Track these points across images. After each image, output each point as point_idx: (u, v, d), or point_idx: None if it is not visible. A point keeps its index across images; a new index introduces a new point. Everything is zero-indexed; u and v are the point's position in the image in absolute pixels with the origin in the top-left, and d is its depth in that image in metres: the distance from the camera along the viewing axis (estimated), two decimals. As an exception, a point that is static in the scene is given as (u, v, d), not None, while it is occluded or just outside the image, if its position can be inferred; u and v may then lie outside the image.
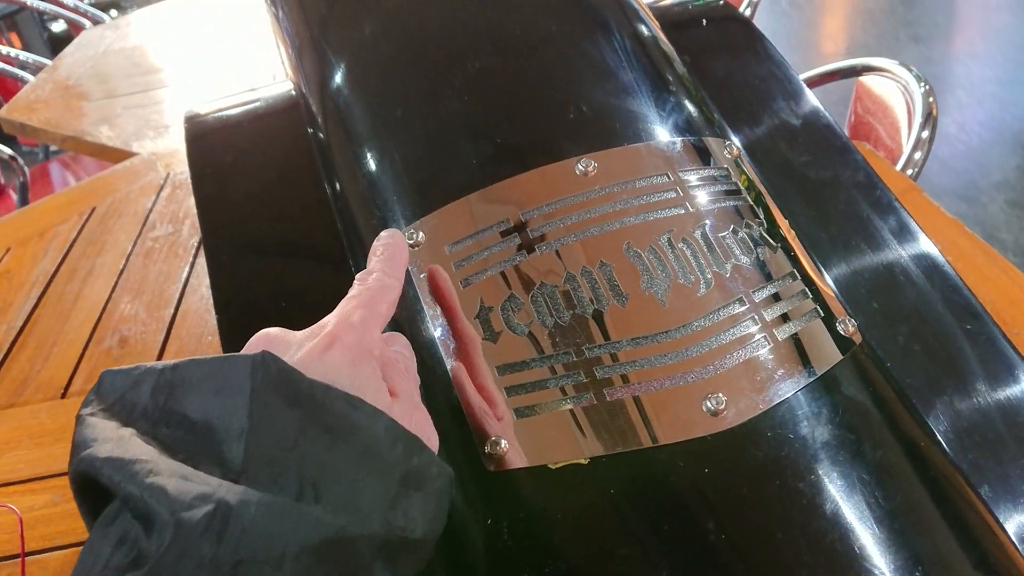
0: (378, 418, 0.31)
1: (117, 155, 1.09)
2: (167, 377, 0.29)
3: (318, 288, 0.48)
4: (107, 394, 0.30)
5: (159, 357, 0.68)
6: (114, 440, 0.28)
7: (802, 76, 1.21)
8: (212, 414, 0.28)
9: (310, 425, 0.29)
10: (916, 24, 3.55)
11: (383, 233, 0.40)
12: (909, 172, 0.93)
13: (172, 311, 0.74)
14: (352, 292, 0.37)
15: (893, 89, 1.07)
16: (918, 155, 0.94)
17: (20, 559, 0.50)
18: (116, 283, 0.79)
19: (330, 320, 0.34)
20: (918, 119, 0.97)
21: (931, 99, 0.98)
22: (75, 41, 1.81)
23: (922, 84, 1.01)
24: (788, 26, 3.90)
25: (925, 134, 0.95)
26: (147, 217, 0.89)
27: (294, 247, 0.50)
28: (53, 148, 2.08)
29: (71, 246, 0.86)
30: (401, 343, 0.41)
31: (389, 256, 0.39)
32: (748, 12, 1.64)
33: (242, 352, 0.32)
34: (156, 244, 0.84)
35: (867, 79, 1.15)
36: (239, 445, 0.28)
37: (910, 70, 1.06)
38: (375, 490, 0.30)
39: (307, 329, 0.34)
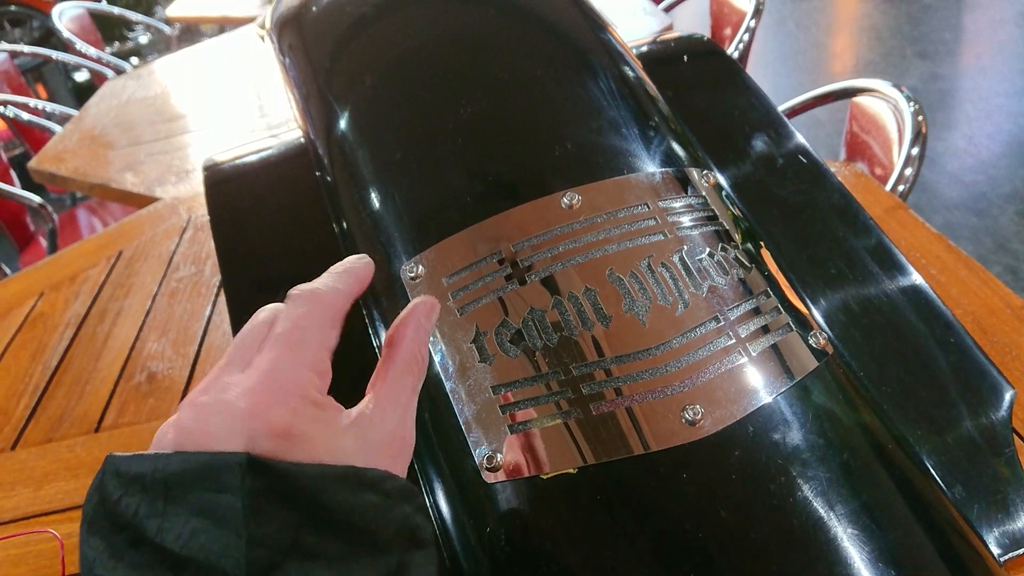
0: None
1: (141, 200, 1.14)
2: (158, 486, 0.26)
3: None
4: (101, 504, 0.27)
5: (185, 391, 0.72)
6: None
7: (797, 100, 1.24)
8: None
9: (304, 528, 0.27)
10: (922, 40, 3.58)
11: (352, 257, 0.38)
12: (901, 188, 0.96)
13: (196, 347, 0.78)
14: (278, 324, 0.32)
15: (885, 108, 1.10)
16: (908, 171, 0.97)
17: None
18: (143, 323, 0.83)
19: (254, 371, 0.30)
20: (908, 137, 1.00)
21: (920, 117, 1.01)
22: (99, 92, 1.88)
23: (911, 104, 1.04)
24: (795, 46, 3.95)
25: (915, 151, 0.98)
26: (171, 259, 0.94)
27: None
28: (80, 194, 2.15)
29: (100, 289, 0.90)
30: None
31: (343, 270, 0.36)
32: (746, 38, 1.68)
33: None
34: (180, 285, 0.89)
35: (861, 100, 1.19)
36: None
37: (900, 90, 1.09)
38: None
39: (227, 382, 0.30)
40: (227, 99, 1.59)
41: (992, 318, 0.62)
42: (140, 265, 0.94)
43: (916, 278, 0.55)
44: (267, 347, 0.31)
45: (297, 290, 0.34)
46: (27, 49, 2.80)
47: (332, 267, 0.37)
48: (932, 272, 0.57)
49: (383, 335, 0.50)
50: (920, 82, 3.14)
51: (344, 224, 0.54)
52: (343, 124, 0.56)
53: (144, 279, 0.91)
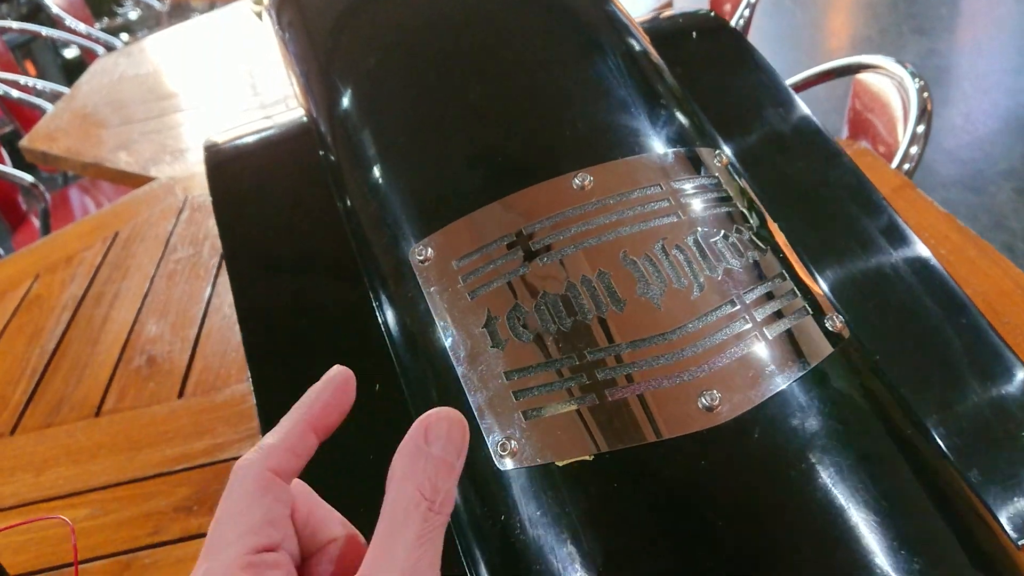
0: None
1: (136, 180, 1.13)
2: None
3: (334, 301, 0.51)
4: None
5: (186, 375, 0.71)
6: None
7: (799, 77, 1.23)
8: None
9: None
10: (919, 17, 3.56)
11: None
12: (906, 167, 0.95)
13: (196, 330, 0.77)
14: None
15: (889, 85, 1.09)
16: (914, 150, 0.96)
17: (74, 567, 0.53)
18: (142, 305, 0.82)
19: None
20: (913, 114, 0.99)
21: (925, 94, 1.00)
22: (90, 69, 1.86)
23: (916, 80, 1.03)
24: (792, 24, 3.92)
25: (920, 129, 0.97)
26: (168, 240, 0.93)
27: (311, 264, 0.53)
28: (72, 174, 2.12)
29: (97, 271, 0.89)
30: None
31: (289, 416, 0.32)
32: (747, 13, 1.66)
33: None
34: (178, 266, 0.88)
35: (864, 76, 1.17)
36: None
37: (905, 66, 1.07)
38: None
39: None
40: (220, 77, 1.57)
41: (1003, 299, 0.61)
42: (137, 246, 0.93)
43: (930, 259, 0.54)
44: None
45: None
46: (16, 25, 2.76)
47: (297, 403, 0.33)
48: (941, 252, 0.56)
49: (393, 326, 0.49)
50: (917, 58, 3.12)
51: (349, 204, 0.53)
52: (347, 103, 0.55)
53: (141, 260, 0.90)
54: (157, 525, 0.58)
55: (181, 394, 0.69)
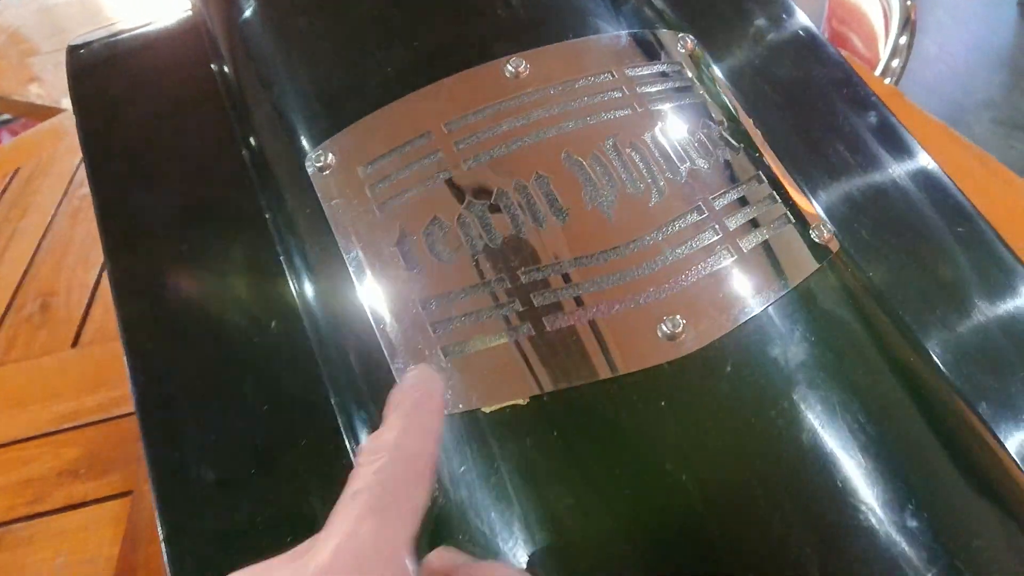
0: None
1: (47, 113, 1.02)
2: None
3: (223, 226, 0.42)
4: None
5: (83, 322, 0.63)
6: None
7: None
8: None
9: None
10: (893, -55, 3.45)
11: (408, 373, 0.28)
12: (888, 81, 0.87)
13: (97, 273, 0.68)
14: (355, 482, 0.24)
15: (869, -4, 1.01)
16: (896, 63, 0.88)
17: None
18: (39, 245, 0.73)
19: (325, 543, 0.22)
20: (895, 25, 0.90)
21: (909, 3, 0.92)
22: None
23: (900, -13, 0.94)
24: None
25: (903, 40, 0.89)
26: (73, 175, 0.83)
27: (195, 178, 0.44)
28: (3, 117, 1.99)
29: (-8, 210, 0.79)
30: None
31: (414, 405, 0.26)
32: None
33: None
34: (83, 203, 0.78)
35: (841, -11, 1.09)
36: None
37: (887, -26, 0.99)
38: None
39: (289, 558, 0.23)
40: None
41: (1013, 219, 0.54)
42: (40, 183, 0.83)
43: (928, 162, 0.47)
44: (341, 511, 0.23)
45: (371, 443, 0.25)
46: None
47: (392, 400, 0.27)
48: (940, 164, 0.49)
49: (291, 251, 0.41)
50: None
51: (240, 105, 0.44)
52: (236, -14, 0.45)
53: (43, 198, 0.80)
54: (38, 493, 0.50)
55: (75, 343, 0.60)
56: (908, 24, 0.91)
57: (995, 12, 2.72)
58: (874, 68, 0.94)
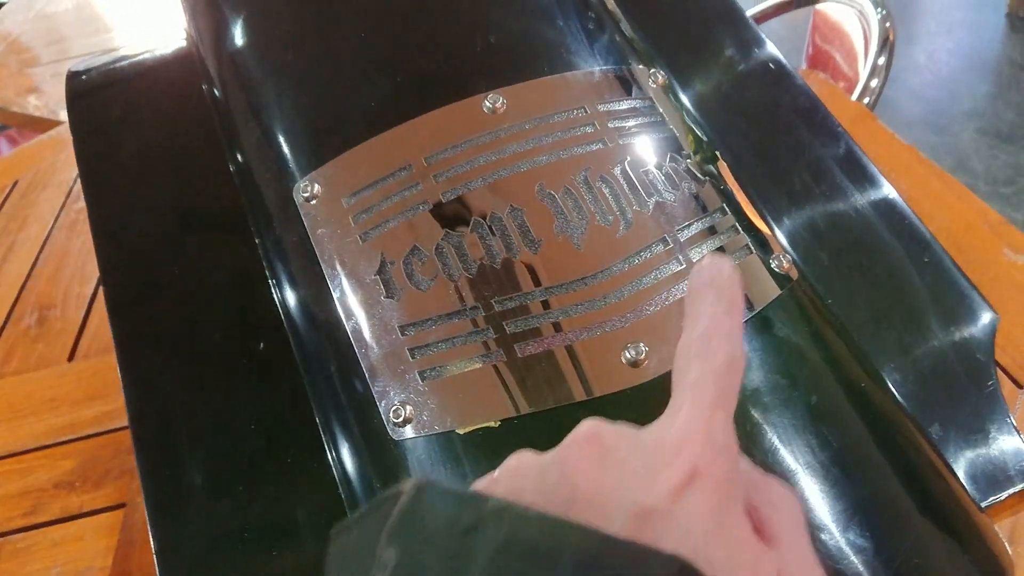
0: None
1: (45, 125, 1.04)
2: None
3: (214, 247, 0.44)
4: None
5: (79, 335, 0.64)
6: None
7: (757, 9, 1.16)
8: None
9: None
10: (884, -47, 3.48)
11: (705, 260, 0.25)
12: (866, 100, 0.89)
13: (94, 286, 0.70)
14: (694, 374, 0.23)
15: (850, 15, 1.03)
16: (875, 83, 0.90)
17: None
18: (37, 258, 0.74)
19: (683, 431, 0.22)
20: (874, 45, 0.93)
21: (888, 24, 0.94)
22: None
23: (879, 9, 0.97)
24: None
25: (882, 60, 0.91)
26: (71, 188, 0.85)
27: (187, 203, 0.46)
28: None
29: (-8, 223, 0.81)
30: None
31: (726, 298, 0.24)
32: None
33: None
34: (80, 215, 0.80)
35: (824, 7, 1.11)
36: None
37: (867, -5, 1.01)
38: None
39: (650, 434, 0.23)
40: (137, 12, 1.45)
41: (968, 234, 0.56)
42: (38, 195, 0.84)
43: (888, 191, 0.49)
44: (692, 397, 0.23)
45: (705, 340, 0.24)
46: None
47: (695, 288, 0.25)
48: (903, 186, 0.51)
49: (278, 276, 0.43)
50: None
51: (231, 132, 0.46)
52: (231, 19, 0.47)
53: (41, 210, 0.81)
54: (35, 503, 0.52)
55: (72, 356, 0.62)
56: (887, 44, 0.93)
57: (982, 21, 2.74)
58: (854, 86, 0.96)
